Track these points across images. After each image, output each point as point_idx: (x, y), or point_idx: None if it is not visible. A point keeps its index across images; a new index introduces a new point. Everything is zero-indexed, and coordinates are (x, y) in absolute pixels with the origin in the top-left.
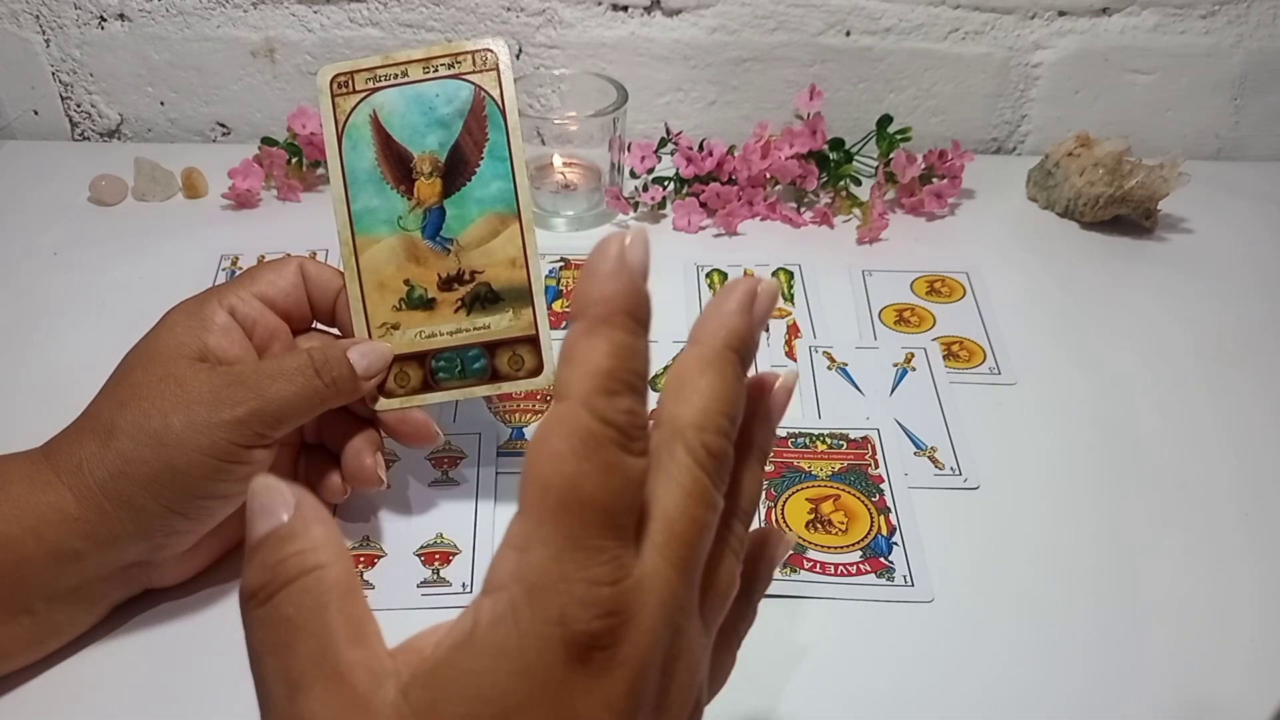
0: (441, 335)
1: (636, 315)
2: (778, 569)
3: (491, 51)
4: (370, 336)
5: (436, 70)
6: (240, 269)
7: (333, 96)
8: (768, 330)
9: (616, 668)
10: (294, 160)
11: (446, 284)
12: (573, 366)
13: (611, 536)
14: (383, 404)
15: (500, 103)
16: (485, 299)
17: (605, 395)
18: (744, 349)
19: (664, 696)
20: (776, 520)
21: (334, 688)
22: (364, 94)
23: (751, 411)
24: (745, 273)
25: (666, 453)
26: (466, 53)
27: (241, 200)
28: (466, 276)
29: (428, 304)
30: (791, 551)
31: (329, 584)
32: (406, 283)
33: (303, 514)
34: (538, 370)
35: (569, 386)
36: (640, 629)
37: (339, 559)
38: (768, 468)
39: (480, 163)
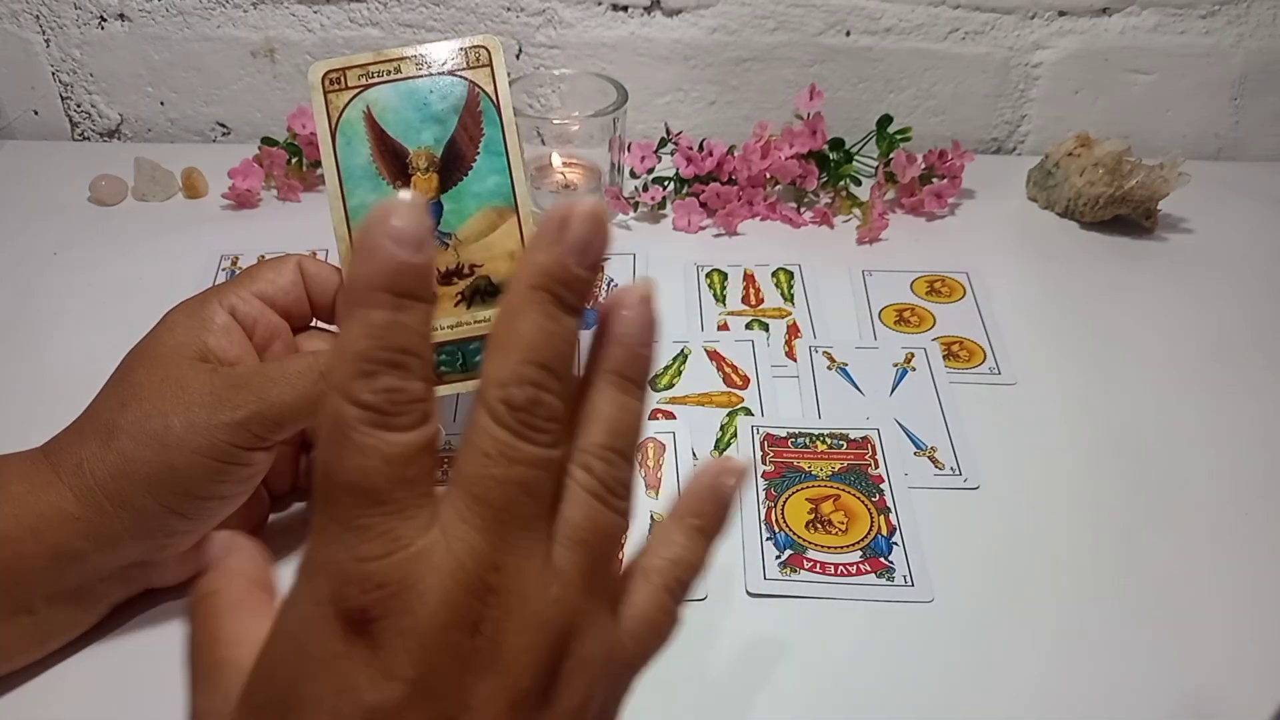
0: (442, 329)
1: (397, 288)
2: (734, 504)
3: (485, 48)
4: None
5: (430, 66)
6: (240, 269)
7: (325, 93)
8: (767, 330)
9: (397, 636)
10: (294, 160)
11: (446, 278)
12: (332, 355)
13: (380, 513)
14: None
15: (495, 98)
16: (485, 292)
17: (358, 378)
18: (554, 284)
19: (474, 656)
20: (776, 521)
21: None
22: (357, 90)
23: (601, 336)
24: (745, 273)
25: (470, 417)
26: (459, 49)
27: (241, 200)
28: (466, 270)
29: None
30: (739, 476)
31: (218, 607)
32: None
33: (223, 552)
34: None
35: (328, 375)
36: (423, 596)
37: (238, 581)
38: (768, 468)
39: (476, 158)
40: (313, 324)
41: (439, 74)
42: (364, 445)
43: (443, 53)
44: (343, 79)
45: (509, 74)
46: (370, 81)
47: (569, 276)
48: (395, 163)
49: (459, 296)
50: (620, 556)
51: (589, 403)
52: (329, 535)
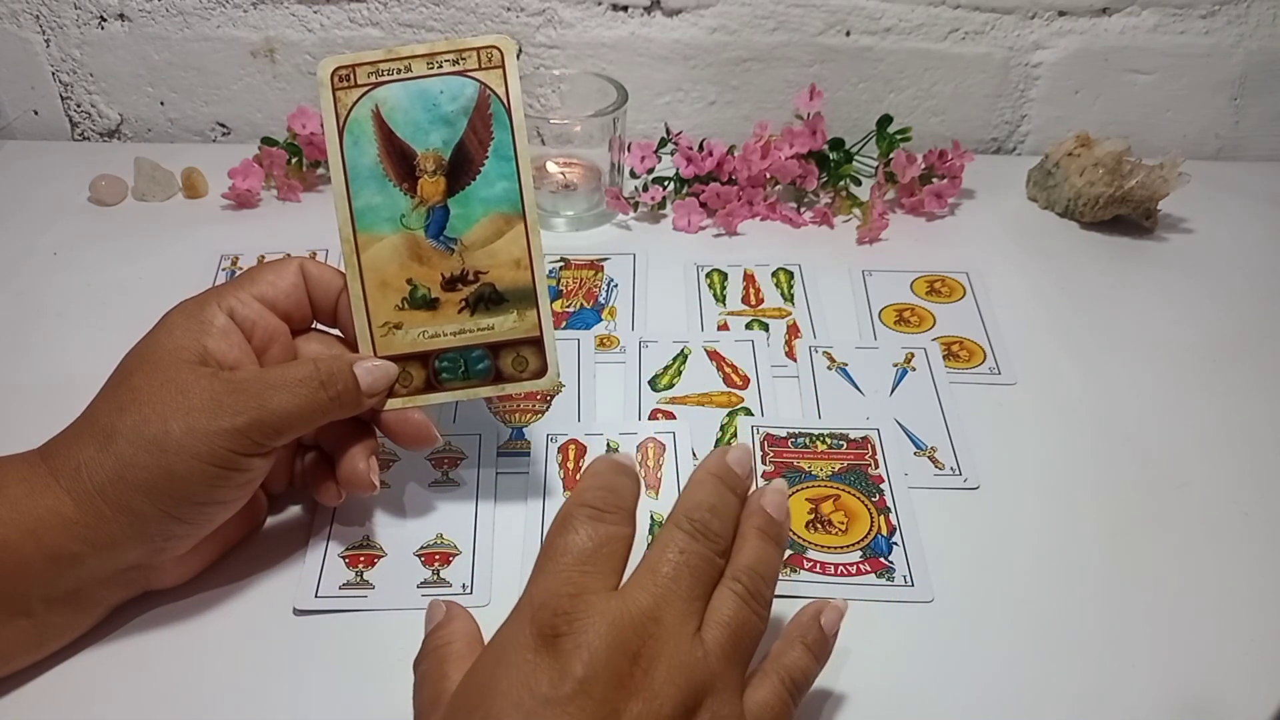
0: (445, 335)
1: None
2: (836, 636)
3: (498, 49)
4: (372, 336)
5: (441, 66)
6: (240, 269)
7: (333, 90)
8: (767, 330)
9: (574, 649)
10: (294, 160)
11: (450, 284)
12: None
13: (580, 570)
14: (387, 404)
15: (506, 101)
16: (489, 300)
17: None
18: (727, 477)
19: (630, 680)
20: None
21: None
22: (366, 88)
23: (750, 505)
24: (745, 273)
25: (662, 533)
26: (472, 49)
27: (241, 200)
28: (470, 277)
29: (431, 304)
30: (832, 611)
31: (450, 654)
32: (409, 282)
33: (449, 616)
34: (541, 371)
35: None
36: (598, 626)
37: (463, 638)
38: (768, 468)
39: (485, 162)
40: (313, 326)
41: (450, 74)
42: (579, 524)
43: (454, 52)
44: (352, 76)
45: (519, 79)
46: (380, 80)
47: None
48: (402, 164)
49: (463, 303)
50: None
51: (741, 542)
52: (541, 581)
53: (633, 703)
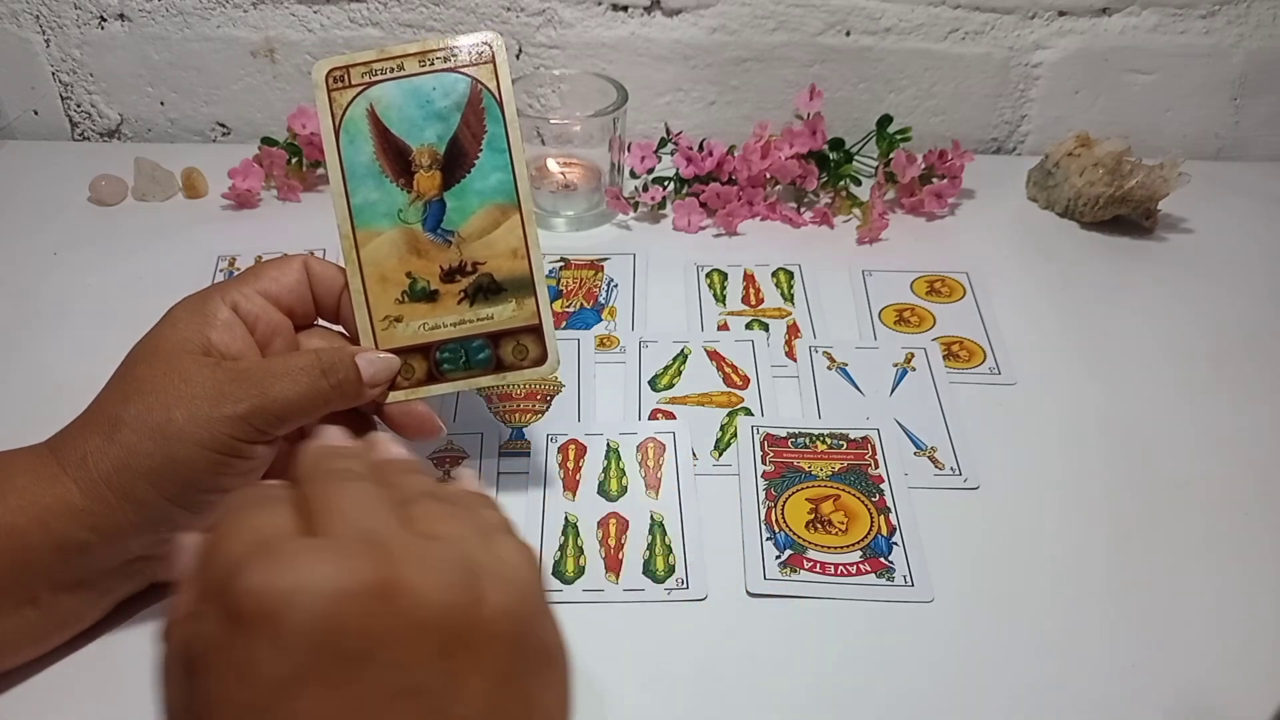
0: (445, 327)
1: None
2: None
3: (488, 45)
4: (373, 329)
5: (433, 64)
6: (238, 269)
7: (328, 91)
8: (767, 330)
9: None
10: (294, 160)
11: (449, 276)
12: None
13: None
14: (389, 396)
15: (497, 95)
16: (488, 290)
17: None
18: None
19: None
20: (776, 521)
21: None
22: (360, 88)
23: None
24: (745, 273)
25: None
26: (462, 46)
27: (241, 200)
28: (468, 268)
29: (430, 296)
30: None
31: None
32: (409, 275)
33: None
34: (542, 359)
35: None
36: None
37: None
38: (768, 468)
39: (479, 155)
40: (316, 322)
41: (442, 70)
42: None
43: (445, 49)
44: (346, 77)
45: (510, 73)
46: (373, 79)
47: None
48: (398, 160)
49: (462, 294)
50: None
51: None
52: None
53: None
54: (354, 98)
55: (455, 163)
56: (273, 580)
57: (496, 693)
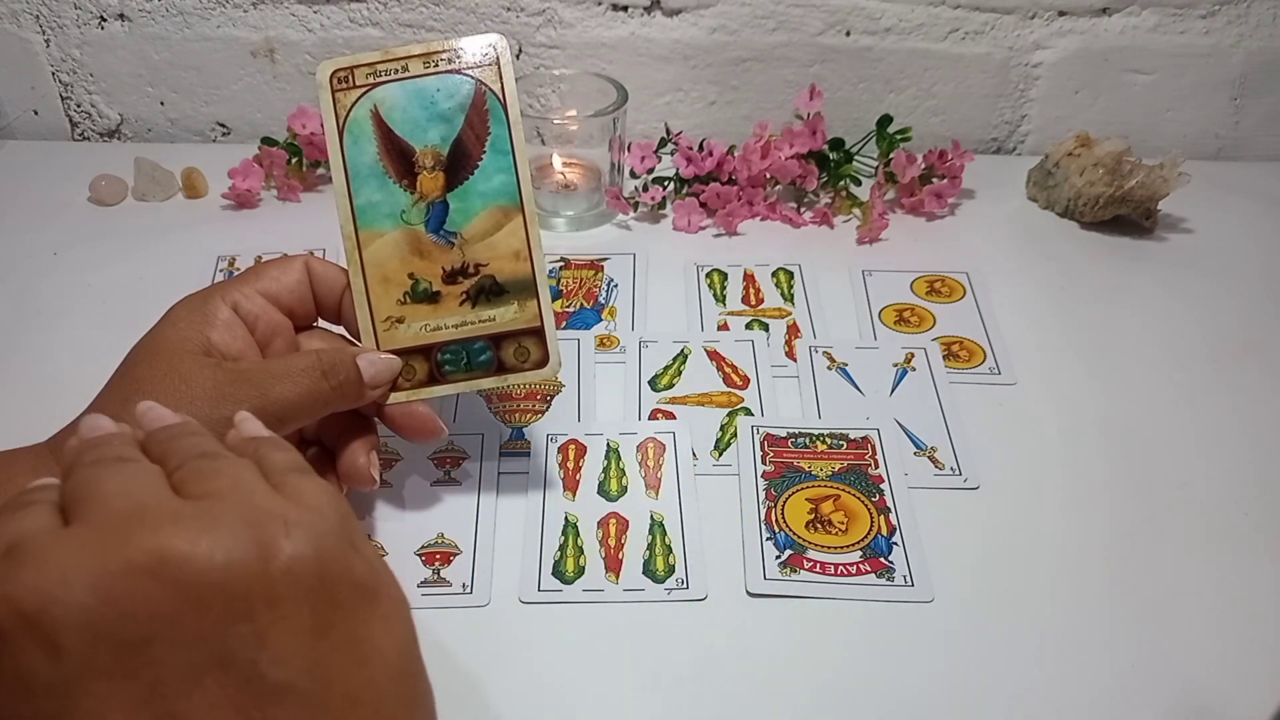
0: (447, 328)
1: None
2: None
3: (492, 47)
4: (375, 330)
5: (437, 65)
6: (238, 269)
7: (333, 92)
8: (767, 330)
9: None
10: (294, 160)
11: (451, 277)
12: None
13: None
14: (391, 397)
15: (501, 97)
16: (490, 291)
17: None
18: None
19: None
20: (776, 521)
21: None
22: (364, 89)
23: None
24: (745, 273)
25: None
26: (466, 47)
27: (241, 200)
28: (471, 269)
29: (432, 297)
30: None
31: None
32: (411, 276)
33: None
34: (543, 361)
35: None
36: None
37: None
38: (768, 468)
39: (483, 156)
40: (316, 323)
41: (446, 72)
42: None
43: (449, 51)
44: (350, 78)
45: (514, 75)
46: (377, 80)
47: None
48: (402, 161)
49: (464, 296)
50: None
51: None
52: None
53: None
54: (358, 98)
55: (458, 164)
56: (26, 581)
57: (314, 644)
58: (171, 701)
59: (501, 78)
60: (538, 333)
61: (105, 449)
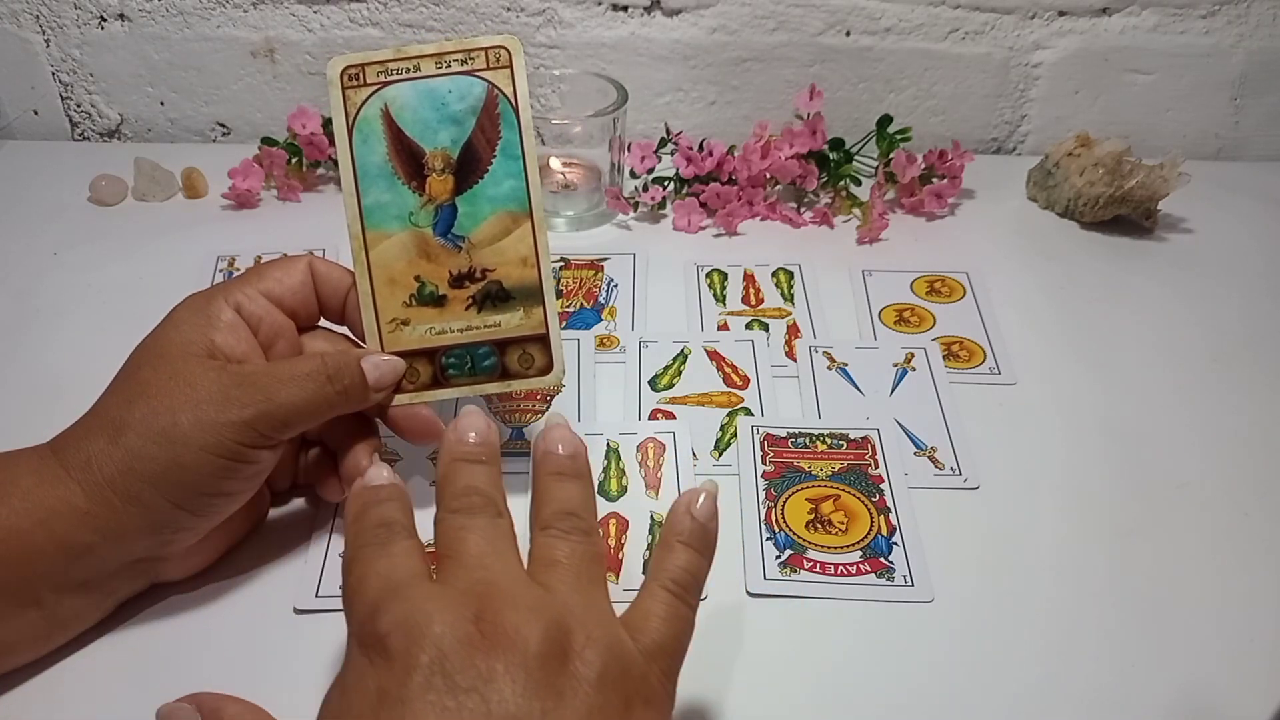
0: (452, 332)
1: None
2: (711, 517)
3: (505, 49)
4: (380, 332)
5: (449, 66)
6: (238, 270)
7: (343, 89)
8: (767, 330)
9: (407, 640)
10: (294, 160)
11: (457, 281)
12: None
13: (379, 576)
14: (394, 399)
15: (513, 100)
16: (496, 297)
17: None
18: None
19: (482, 639)
20: (776, 521)
21: None
22: (375, 87)
23: None
24: (745, 273)
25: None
26: (480, 49)
27: (241, 200)
28: (478, 274)
29: (439, 300)
30: (709, 494)
31: None
32: (417, 279)
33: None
34: (547, 369)
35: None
36: (420, 607)
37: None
38: (768, 468)
39: (493, 160)
40: (319, 324)
41: (458, 73)
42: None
43: (462, 52)
44: (361, 75)
45: (526, 78)
46: (389, 79)
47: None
48: (411, 163)
49: (470, 300)
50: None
51: (538, 492)
52: (350, 603)
53: (496, 660)
54: (368, 97)
55: (468, 168)
56: (404, 622)
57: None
58: None
59: (514, 81)
60: (543, 340)
61: (474, 477)
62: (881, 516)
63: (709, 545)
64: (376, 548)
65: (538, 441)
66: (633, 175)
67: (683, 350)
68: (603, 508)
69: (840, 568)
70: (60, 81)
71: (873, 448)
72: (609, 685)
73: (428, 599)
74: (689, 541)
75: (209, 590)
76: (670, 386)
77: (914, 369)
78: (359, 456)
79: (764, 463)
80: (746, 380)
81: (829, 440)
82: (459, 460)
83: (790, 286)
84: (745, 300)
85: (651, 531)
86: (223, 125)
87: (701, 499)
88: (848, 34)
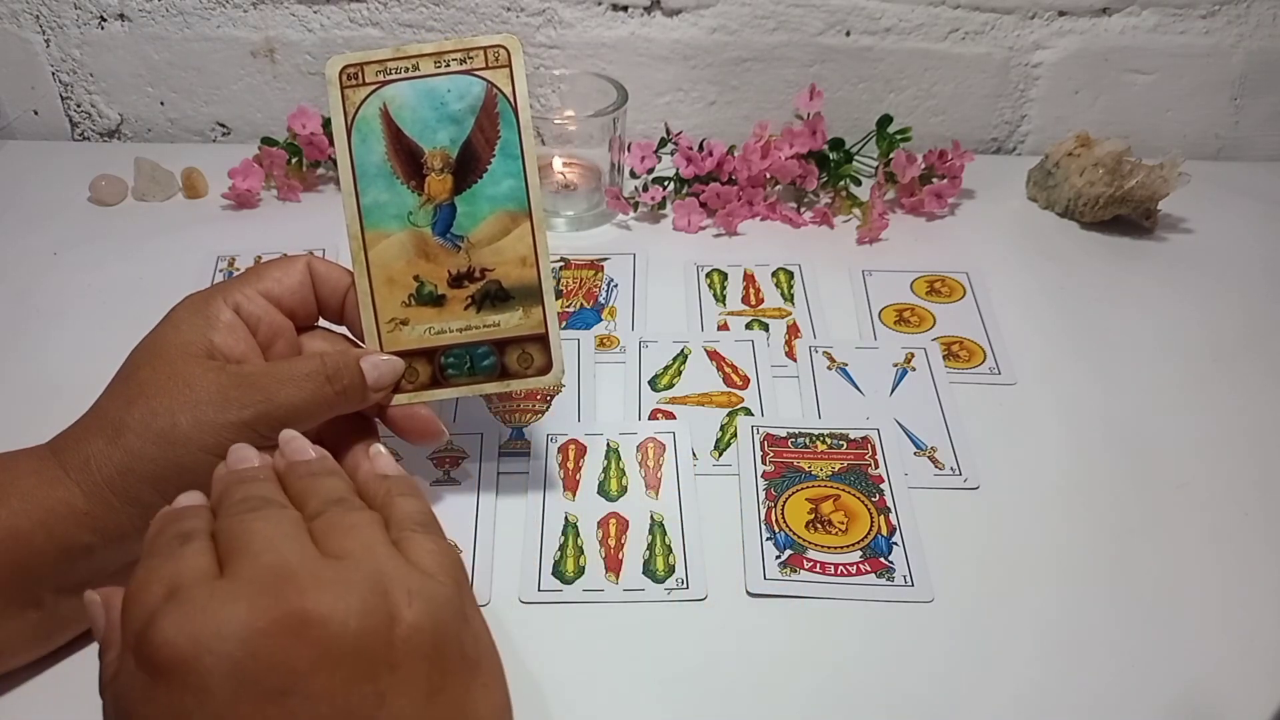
0: (451, 332)
1: None
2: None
3: (504, 48)
4: (379, 331)
5: (448, 65)
6: (238, 270)
7: (342, 88)
8: (767, 330)
9: (193, 653)
10: (294, 160)
11: (456, 281)
12: None
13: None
14: (393, 399)
15: (512, 100)
16: (495, 297)
17: None
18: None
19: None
20: (776, 521)
21: None
22: (374, 86)
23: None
24: (745, 273)
25: None
26: (479, 48)
27: (241, 200)
28: (477, 274)
29: (438, 300)
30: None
31: None
32: (416, 278)
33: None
34: (546, 368)
35: None
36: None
37: None
38: (768, 468)
39: (492, 160)
40: (318, 324)
41: (457, 73)
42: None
43: (461, 51)
44: (360, 74)
45: (525, 78)
46: (388, 78)
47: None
48: (410, 162)
49: (469, 300)
50: None
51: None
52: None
53: (305, 649)
54: (367, 96)
55: (467, 167)
56: (184, 629)
57: (426, 707)
58: None
59: (513, 80)
60: (542, 339)
61: (253, 487)
62: (881, 516)
63: (415, 486)
64: (165, 557)
65: (275, 459)
66: (633, 175)
67: (683, 350)
68: (603, 508)
69: (840, 568)
70: (60, 81)
71: (873, 448)
72: (448, 637)
73: (210, 598)
74: (403, 491)
75: None
76: (670, 386)
77: (914, 369)
78: (358, 457)
79: (764, 463)
80: (746, 380)
81: (829, 440)
82: (235, 482)
83: (790, 286)
84: (745, 300)
85: (651, 531)
86: (223, 125)
87: (375, 454)
88: (848, 34)
